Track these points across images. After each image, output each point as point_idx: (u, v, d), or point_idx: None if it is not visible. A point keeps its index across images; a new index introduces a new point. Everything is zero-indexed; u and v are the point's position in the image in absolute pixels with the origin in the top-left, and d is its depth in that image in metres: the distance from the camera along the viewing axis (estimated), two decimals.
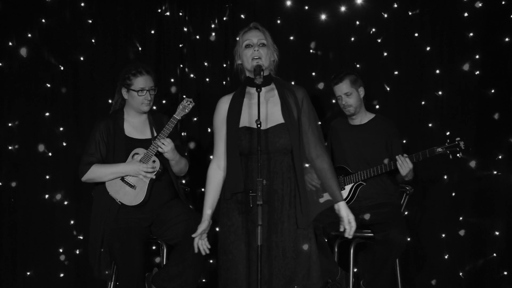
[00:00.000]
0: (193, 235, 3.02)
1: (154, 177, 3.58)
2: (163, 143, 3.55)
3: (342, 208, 2.99)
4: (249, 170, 2.96)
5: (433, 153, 3.72)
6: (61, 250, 4.45)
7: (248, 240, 2.94)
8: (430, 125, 4.44)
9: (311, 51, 4.56)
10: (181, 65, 4.63)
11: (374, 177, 3.88)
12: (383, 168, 3.82)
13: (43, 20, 4.47)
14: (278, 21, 4.55)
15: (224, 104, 3.08)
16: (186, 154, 3.84)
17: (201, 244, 3.04)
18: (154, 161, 3.59)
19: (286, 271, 2.93)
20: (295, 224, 2.97)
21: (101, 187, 3.62)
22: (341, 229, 2.99)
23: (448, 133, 4.41)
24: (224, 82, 4.59)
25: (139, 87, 3.61)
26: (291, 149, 2.99)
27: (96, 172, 3.58)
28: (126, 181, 3.57)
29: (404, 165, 3.72)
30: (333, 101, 4.51)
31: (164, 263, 3.71)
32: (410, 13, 4.46)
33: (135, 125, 3.71)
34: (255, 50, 2.99)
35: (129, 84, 3.63)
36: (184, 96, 3.69)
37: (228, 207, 3.00)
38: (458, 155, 3.72)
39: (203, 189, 4.53)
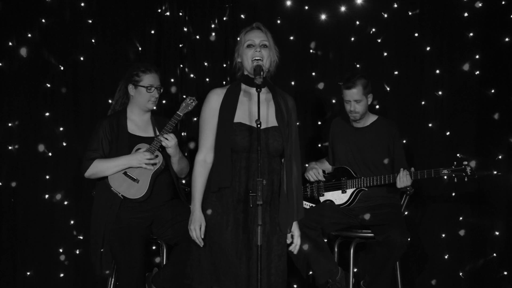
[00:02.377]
0: (197, 237, 3.01)
1: (157, 165, 3.58)
2: (166, 138, 3.57)
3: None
4: (242, 167, 2.96)
5: (438, 174, 3.71)
6: (61, 250, 4.44)
7: (235, 239, 2.94)
8: (430, 125, 4.44)
9: (311, 51, 4.56)
10: (181, 65, 4.63)
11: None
12: (387, 179, 3.80)
13: (43, 20, 4.46)
14: (278, 21, 4.55)
15: (217, 96, 3.04)
16: (185, 154, 3.84)
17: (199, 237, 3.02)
18: (156, 156, 3.61)
19: (266, 272, 2.94)
20: (276, 226, 2.98)
21: (102, 186, 3.63)
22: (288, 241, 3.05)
23: (448, 133, 4.41)
24: (224, 82, 4.59)
25: (148, 83, 3.67)
26: (281, 153, 3.00)
27: (99, 166, 3.58)
28: (129, 174, 3.58)
29: (402, 180, 3.72)
30: (333, 101, 4.52)
31: (164, 263, 3.71)
32: (410, 13, 4.46)
33: (138, 124, 3.73)
34: (256, 51, 3.00)
35: (138, 80, 3.68)
36: (184, 96, 3.71)
37: (214, 203, 2.99)
38: (464, 179, 3.72)
39: None
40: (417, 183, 4.22)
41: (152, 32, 4.60)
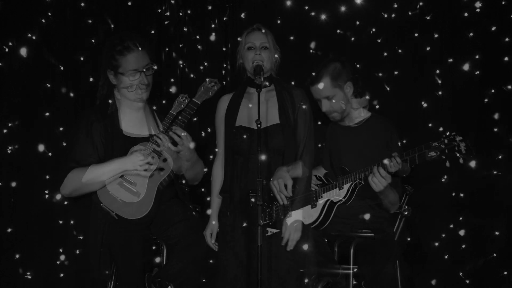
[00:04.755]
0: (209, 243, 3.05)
1: (153, 166, 3.56)
2: (157, 140, 3.51)
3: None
4: (245, 170, 2.98)
5: (429, 147, 3.68)
6: (61, 250, 4.44)
7: (243, 241, 2.96)
8: (430, 125, 4.44)
9: (311, 51, 4.56)
10: (181, 65, 4.63)
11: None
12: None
13: (43, 20, 4.46)
14: (278, 21, 4.55)
15: (224, 103, 3.13)
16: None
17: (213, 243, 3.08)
18: (153, 157, 3.58)
19: (281, 271, 2.95)
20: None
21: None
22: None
23: (448, 133, 4.41)
24: (224, 82, 4.60)
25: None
26: (283, 151, 3.01)
27: (94, 172, 3.53)
28: (126, 178, 3.57)
29: (394, 164, 3.69)
30: (333, 101, 4.51)
31: (164, 263, 3.71)
32: (410, 13, 4.47)
33: (132, 121, 3.65)
34: (257, 53, 3.02)
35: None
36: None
37: (225, 205, 3.03)
38: (459, 157, 3.69)
39: (203, 189, 4.56)
40: (417, 183, 4.23)
41: (152, 32, 4.59)
